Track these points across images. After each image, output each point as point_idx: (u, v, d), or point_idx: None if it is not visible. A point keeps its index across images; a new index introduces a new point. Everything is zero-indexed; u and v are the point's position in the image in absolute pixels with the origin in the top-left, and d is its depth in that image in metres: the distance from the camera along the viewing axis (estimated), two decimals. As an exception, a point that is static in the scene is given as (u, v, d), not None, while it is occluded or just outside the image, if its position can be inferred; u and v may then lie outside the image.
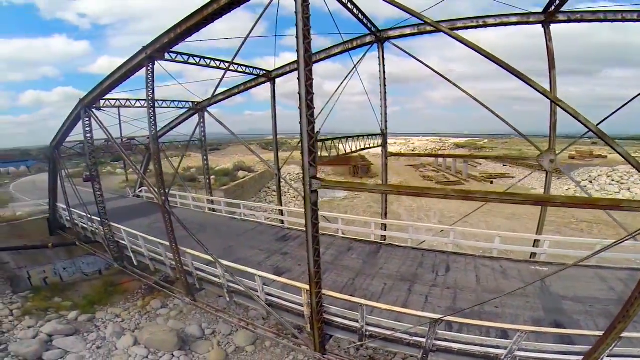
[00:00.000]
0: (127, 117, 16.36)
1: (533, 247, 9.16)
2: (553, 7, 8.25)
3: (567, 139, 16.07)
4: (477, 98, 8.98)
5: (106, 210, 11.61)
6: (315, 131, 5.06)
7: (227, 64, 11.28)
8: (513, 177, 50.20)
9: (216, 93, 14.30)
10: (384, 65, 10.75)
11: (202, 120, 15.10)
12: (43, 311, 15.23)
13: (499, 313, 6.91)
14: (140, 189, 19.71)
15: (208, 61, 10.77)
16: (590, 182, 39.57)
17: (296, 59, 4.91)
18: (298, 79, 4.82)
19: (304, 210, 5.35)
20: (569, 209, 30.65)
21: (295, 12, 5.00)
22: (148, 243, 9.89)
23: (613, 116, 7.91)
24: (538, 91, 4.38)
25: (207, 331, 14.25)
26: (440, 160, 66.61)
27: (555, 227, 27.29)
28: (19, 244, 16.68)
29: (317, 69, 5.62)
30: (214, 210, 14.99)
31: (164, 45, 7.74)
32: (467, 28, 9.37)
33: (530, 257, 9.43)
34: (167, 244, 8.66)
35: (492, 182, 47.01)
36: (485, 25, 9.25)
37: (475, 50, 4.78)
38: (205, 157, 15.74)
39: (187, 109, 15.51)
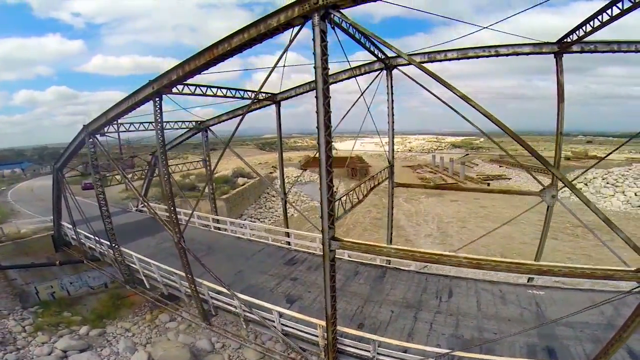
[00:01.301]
0: (128, 140, 16.62)
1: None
2: (569, 39, 8.13)
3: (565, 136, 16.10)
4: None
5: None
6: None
7: (233, 92, 11.58)
8: (509, 179, 50.98)
9: (221, 114, 14.61)
10: (392, 94, 10.61)
11: (206, 138, 15.32)
12: (54, 326, 15.52)
13: (497, 340, 7.36)
14: (142, 204, 19.81)
15: (215, 90, 10.93)
16: (586, 184, 40.38)
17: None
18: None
19: (323, 261, 5.69)
20: (567, 214, 31.34)
21: (315, 67, 5.25)
22: (162, 270, 10.21)
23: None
24: (541, 162, 4.70)
25: (217, 345, 14.67)
26: (438, 160, 67.21)
27: (551, 232, 27.89)
28: (25, 261, 16.93)
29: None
30: (219, 228, 15.27)
31: (172, 82, 7.71)
32: (478, 57, 9.28)
33: (528, 281, 9.93)
34: (183, 274, 9.00)
35: (488, 184, 47.64)
36: (497, 55, 9.16)
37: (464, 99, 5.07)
38: (210, 181, 15.98)
39: (188, 129, 15.72)
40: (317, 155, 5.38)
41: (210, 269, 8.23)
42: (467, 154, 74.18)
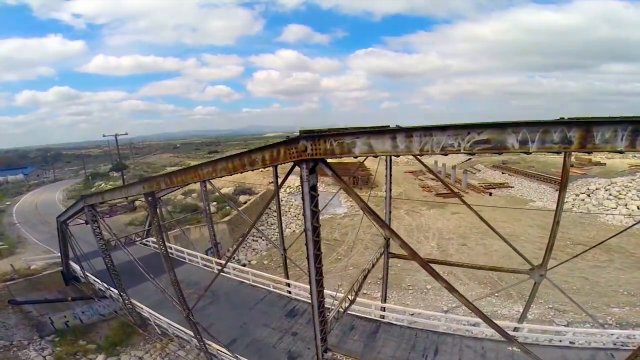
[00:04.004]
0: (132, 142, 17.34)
1: (513, 331, 10.21)
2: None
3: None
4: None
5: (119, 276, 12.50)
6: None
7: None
8: (512, 187, 51.07)
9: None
10: (390, 176, 10.66)
11: (204, 189, 16.02)
12: (72, 355, 16.48)
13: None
14: (147, 239, 19.79)
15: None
16: (589, 195, 40.38)
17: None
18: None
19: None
20: (568, 230, 31.49)
21: (305, 230, 5.48)
22: (173, 327, 11.05)
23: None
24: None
25: (226, 377, 15.59)
26: (440, 167, 67.34)
27: (549, 251, 28.32)
28: (38, 297, 18.06)
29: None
30: (222, 271, 15.91)
31: (160, 189, 8.16)
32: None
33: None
34: (192, 333, 9.80)
35: (490, 194, 47.86)
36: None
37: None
38: (212, 229, 16.79)
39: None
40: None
41: (216, 320, 8.91)
42: (470, 159, 74.08)
